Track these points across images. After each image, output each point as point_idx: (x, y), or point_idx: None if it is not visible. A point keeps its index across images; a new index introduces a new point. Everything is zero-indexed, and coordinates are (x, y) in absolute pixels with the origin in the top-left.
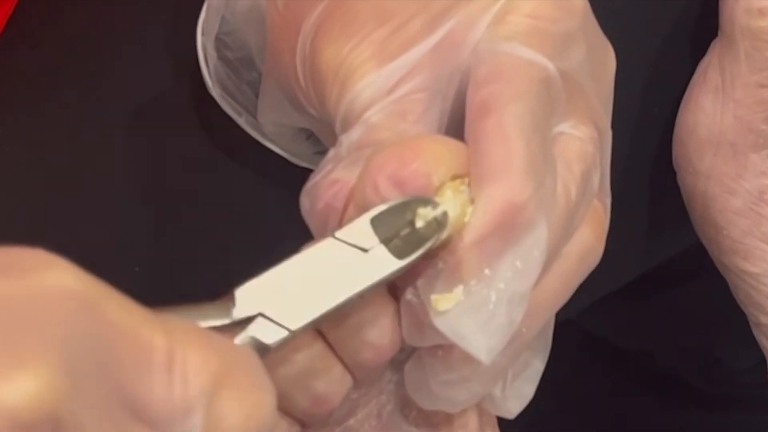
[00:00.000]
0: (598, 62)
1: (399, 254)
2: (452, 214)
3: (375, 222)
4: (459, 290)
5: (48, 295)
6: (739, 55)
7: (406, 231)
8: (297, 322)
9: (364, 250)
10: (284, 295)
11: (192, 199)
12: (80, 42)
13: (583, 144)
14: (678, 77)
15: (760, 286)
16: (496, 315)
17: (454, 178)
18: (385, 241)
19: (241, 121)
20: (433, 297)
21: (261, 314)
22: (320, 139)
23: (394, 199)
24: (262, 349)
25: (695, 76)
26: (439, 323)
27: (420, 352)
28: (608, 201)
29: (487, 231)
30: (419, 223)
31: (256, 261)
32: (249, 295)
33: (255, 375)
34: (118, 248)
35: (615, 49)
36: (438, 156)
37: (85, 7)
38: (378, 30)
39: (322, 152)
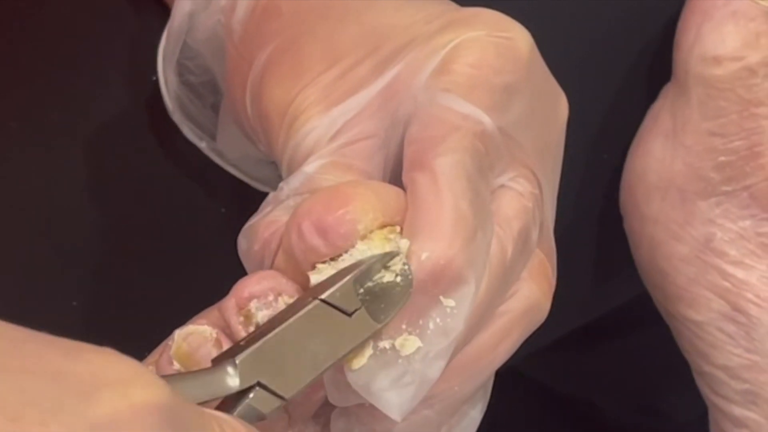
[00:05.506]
0: (547, 110)
1: (375, 315)
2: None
3: (356, 281)
4: (372, 347)
5: (138, 415)
6: (691, 101)
7: (377, 289)
8: (291, 390)
9: (348, 314)
10: (279, 364)
11: (150, 228)
12: (37, 69)
13: (523, 200)
14: (628, 124)
15: (704, 334)
16: (410, 372)
17: (383, 226)
18: (363, 301)
19: (203, 146)
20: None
21: (259, 383)
22: (279, 168)
23: (368, 255)
24: (258, 417)
25: (646, 121)
26: (352, 379)
27: None
28: (554, 258)
29: None
30: (387, 279)
31: (210, 291)
32: (249, 365)
33: None
34: (61, 280)
35: (566, 93)
36: (366, 204)
37: (43, 35)
38: (326, 73)
39: None
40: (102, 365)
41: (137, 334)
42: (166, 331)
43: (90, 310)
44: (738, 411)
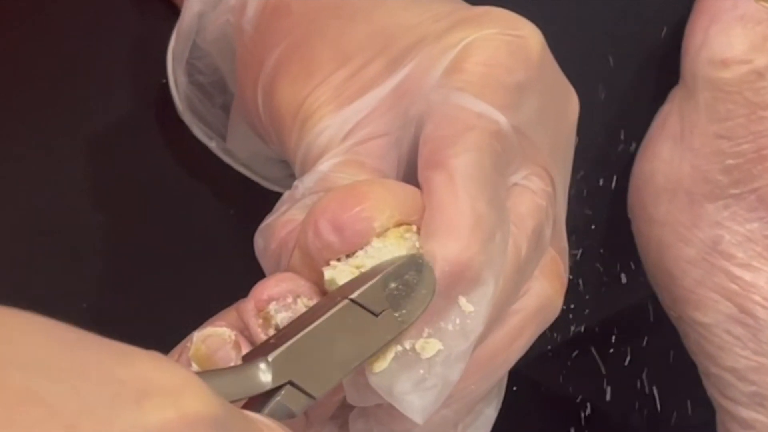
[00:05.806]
0: (558, 109)
1: (399, 317)
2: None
3: (384, 281)
4: (394, 349)
5: (189, 426)
6: (699, 104)
7: (400, 290)
8: (321, 389)
9: (376, 315)
10: (310, 363)
11: (159, 228)
12: (40, 69)
13: (536, 197)
14: (636, 126)
15: (711, 336)
16: (431, 375)
17: (399, 224)
18: (390, 302)
19: (212, 145)
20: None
21: (291, 382)
22: (292, 167)
23: (384, 253)
24: (288, 416)
25: (654, 124)
26: (374, 382)
27: None
28: (567, 255)
29: None
30: (410, 280)
31: (221, 292)
32: (281, 363)
33: None
34: (68, 282)
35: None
36: (381, 202)
37: (47, 35)
38: (337, 72)
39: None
40: (152, 371)
41: (147, 336)
42: (176, 333)
43: (99, 312)
44: (745, 413)
